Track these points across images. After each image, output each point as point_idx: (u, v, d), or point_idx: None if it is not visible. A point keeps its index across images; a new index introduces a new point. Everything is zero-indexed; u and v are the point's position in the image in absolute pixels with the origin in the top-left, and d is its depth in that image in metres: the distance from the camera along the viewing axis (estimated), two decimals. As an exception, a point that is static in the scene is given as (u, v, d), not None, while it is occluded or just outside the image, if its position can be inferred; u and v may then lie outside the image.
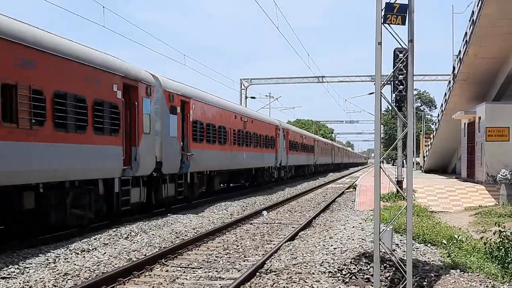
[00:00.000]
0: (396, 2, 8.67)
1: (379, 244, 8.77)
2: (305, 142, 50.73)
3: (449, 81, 34.05)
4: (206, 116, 23.25)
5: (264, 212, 20.80)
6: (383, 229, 9.09)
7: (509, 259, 10.09)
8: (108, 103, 14.84)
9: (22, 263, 10.58)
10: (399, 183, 23.14)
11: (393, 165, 69.52)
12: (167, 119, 18.91)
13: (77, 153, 13.41)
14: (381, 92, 8.83)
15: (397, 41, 8.96)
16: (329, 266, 9.92)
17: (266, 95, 66.50)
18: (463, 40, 26.74)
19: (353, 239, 12.59)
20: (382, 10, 8.67)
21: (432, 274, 9.66)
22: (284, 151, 39.53)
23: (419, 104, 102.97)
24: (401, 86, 18.52)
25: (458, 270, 9.89)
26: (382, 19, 8.67)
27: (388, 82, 11.57)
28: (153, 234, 14.43)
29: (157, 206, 18.98)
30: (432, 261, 10.80)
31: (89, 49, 14.60)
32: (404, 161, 27.29)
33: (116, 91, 15.34)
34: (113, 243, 13.07)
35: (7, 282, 9.23)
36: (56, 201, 13.21)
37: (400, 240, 12.53)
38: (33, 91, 11.75)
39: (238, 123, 28.57)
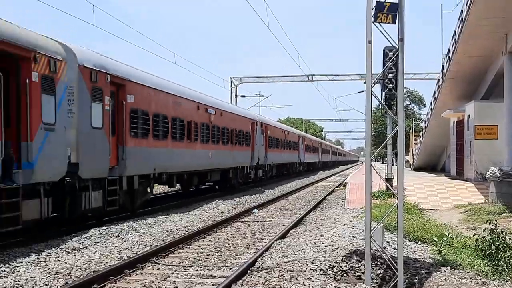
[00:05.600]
0: (386, 1, 8.71)
1: (370, 241, 8.82)
2: (219, 124, 26.38)
3: (438, 80, 34.18)
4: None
5: (255, 210, 20.83)
6: (374, 227, 9.14)
7: (499, 256, 10.16)
8: None
9: (13, 262, 10.52)
10: (389, 181, 23.28)
11: (382, 163, 69.79)
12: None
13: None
14: (371, 91, 8.88)
15: (388, 40, 9.01)
16: (321, 263, 9.94)
17: (256, 94, 66.44)
18: (452, 39, 26.85)
19: (344, 237, 12.63)
20: (372, 9, 8.71)
21: (423, 271, 9.72)
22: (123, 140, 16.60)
23: (409, 103, 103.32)
24: (391, 85, 18.60)
25: (449, 267, 9.95)
26: (373, 18, 8.72)
27: (378, 80, 11.62)
28: (144, 233, 14.41)
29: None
30: (423, 258, 10.85)
31: None
32: (394, 159, 27.46)
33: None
34: (104, 242, 13.04)
35: (-2, 281, 9.17)
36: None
37: (391, 237, 12.58)
38: None
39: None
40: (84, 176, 14.15)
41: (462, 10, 23.34)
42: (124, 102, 16.61)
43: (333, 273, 9.56)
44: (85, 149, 14.29)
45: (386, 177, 24.16)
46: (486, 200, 21.52)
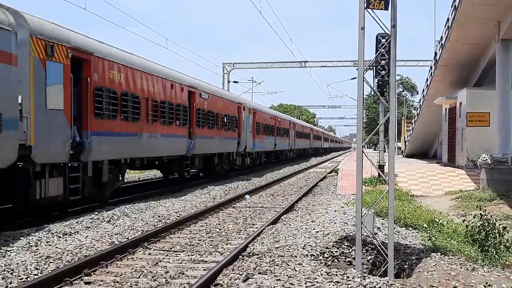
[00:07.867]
0: (379, -13, 8.67)
1: (361, 227, 8.85)
2: None
3: (431, 67, 34.24)
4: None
5: (247, 196, 20.84)
6: (365, 213, 9.17)
7: (489, 242, 10.23)
8: None
9: (4, 247, 10.49)
10: (380, 167, 23.34)
11: (374, 149, 69.94)
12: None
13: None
14: (363, 77, 8.86)
15: (380, 26, 8.98)
16: (312, 249, 9.97)
17: (249, 80, 66.19)
18: (445, 26, 26.87)
19: (335, 223, 12.67)
20: (365, -6, 8.67)
21: (413, 257, 9.76)
22: None
23: (401, 90, 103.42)
24: (383, 71, 18.61)
25: (439, 253, 10.00)
26: (365, 4, 8.68)
27: (371, 67, 11.61)
28: (135, 218, 14.40)
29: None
30: (413, 244, 10.91)
31: None
32: (386, 146, 27.53)
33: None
34: (96, 227, 13.02)
35: (-12, 266, 9.14)
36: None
37: (382, 223, 12.64)
38: None
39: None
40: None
41: (455, -3, 23.34)
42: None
43: (324, 258, 9.60)
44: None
45: (378, 163, 24.22)
46: (477, 187, 21.65)
